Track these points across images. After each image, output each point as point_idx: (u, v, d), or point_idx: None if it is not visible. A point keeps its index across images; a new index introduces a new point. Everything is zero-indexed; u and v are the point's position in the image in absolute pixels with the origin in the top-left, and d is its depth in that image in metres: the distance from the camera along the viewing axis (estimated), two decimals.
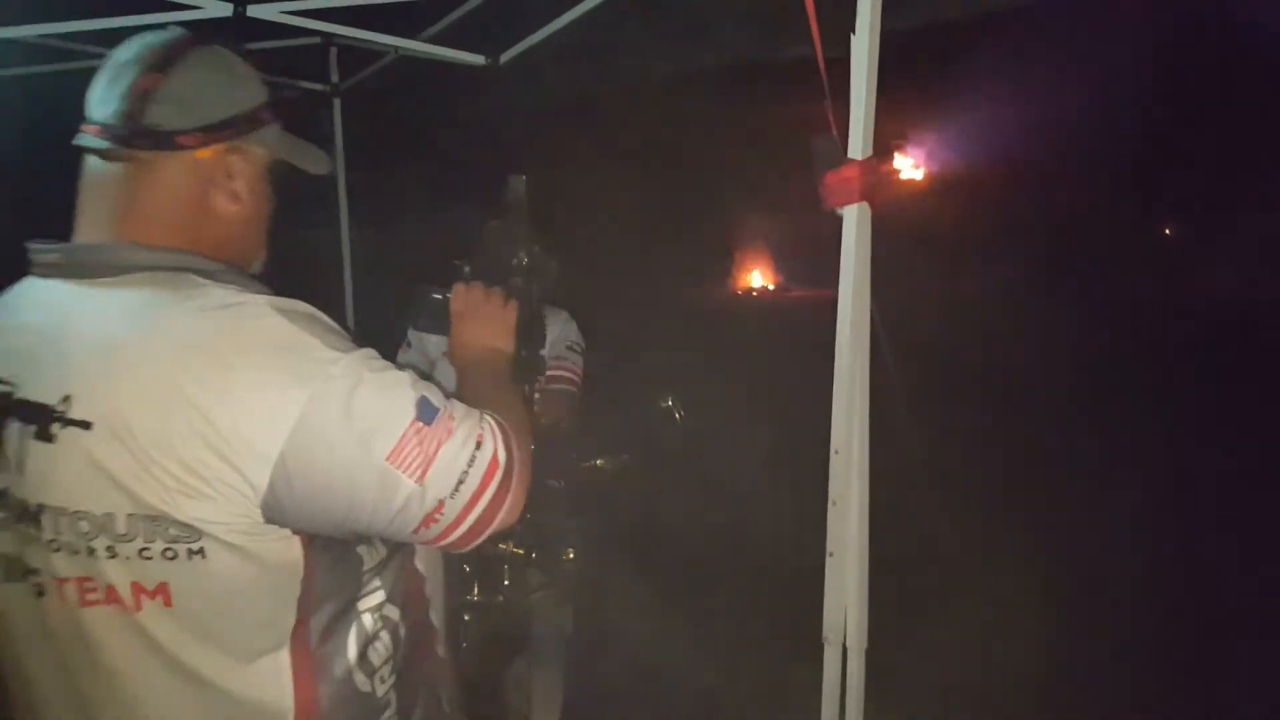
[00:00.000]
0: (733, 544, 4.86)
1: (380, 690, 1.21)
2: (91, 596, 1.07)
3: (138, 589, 1.05)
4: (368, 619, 1.18)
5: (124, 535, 1.04)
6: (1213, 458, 6.05)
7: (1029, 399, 7.58)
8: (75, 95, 1.16)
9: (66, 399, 1.04)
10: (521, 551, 2.48)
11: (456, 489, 1.11)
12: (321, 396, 1.03)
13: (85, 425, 1.02)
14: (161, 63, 1.13)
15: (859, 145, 2.00)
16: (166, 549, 1.03)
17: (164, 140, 1.12)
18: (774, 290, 21.41)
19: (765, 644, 3.76)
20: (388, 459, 1.06)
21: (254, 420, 1.01)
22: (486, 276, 2.77)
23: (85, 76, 1.18)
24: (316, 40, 4.46)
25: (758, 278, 21.76)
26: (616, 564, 3.42)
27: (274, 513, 1.05)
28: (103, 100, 1.13)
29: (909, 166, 20.13)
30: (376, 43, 3.65)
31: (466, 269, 2.85)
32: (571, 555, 2.59)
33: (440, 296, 1.68)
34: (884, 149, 2.07)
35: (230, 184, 1.19)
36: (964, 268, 13.58)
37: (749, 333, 11.91)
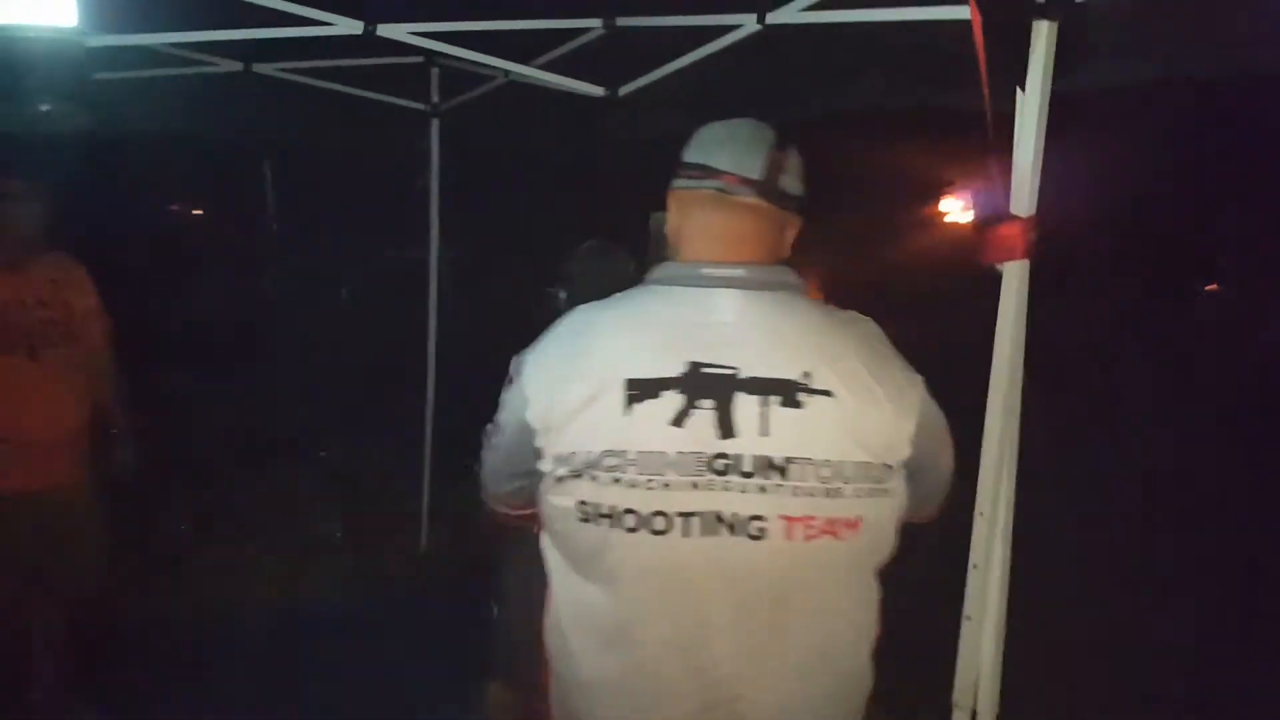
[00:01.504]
0: None
1: None
2: (811, 531, 1.36)
3: (844, 522, 1.37)
4: None
5: (849, 478, 1.35)
6: None
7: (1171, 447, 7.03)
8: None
9: (807, 374, 1.36)
10: None
11: None
12: (924, 388, 1.46)
13: (827, 393, 1.35)
14: (782, 145, 1.51)
15: (1024, 202, 1.96)
16: (868, 488, 1.37)
17: (787, 200, 1.51)
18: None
19: (888, 701, 3.58)
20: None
21: (906, 400, 1.40)
22: (578, 295, 2.75)
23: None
24: (419, 59, 4.52)
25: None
26: None
27: (910, 468, 1.41)
28: (742, 161, 1.48)
29: (957, 210, 19.71)
30: (495, 67, 3.67)
31: (562, 295, 2.84)
32: None
33: None
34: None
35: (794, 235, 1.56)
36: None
37: None
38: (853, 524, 1.37)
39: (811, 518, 1.35)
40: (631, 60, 3.38)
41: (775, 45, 2.79)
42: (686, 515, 1.35)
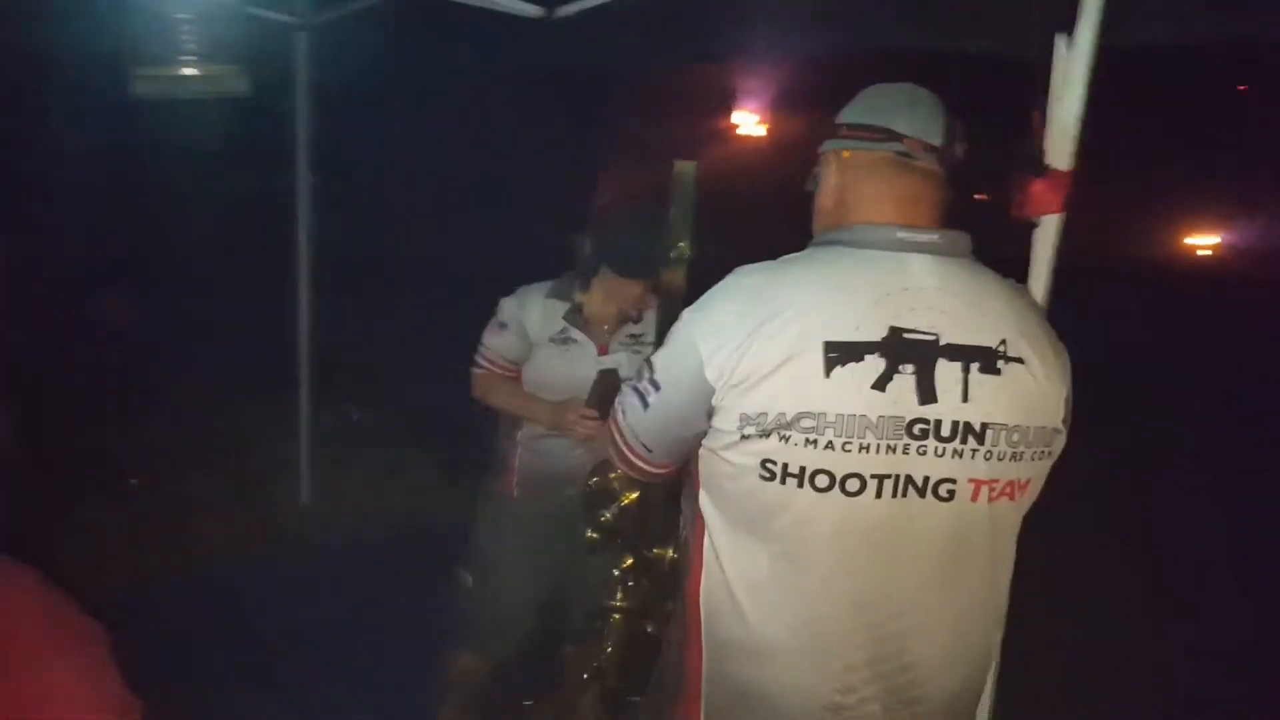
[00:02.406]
0: None
1: None
2: (993, 493, 1.41)
3: (1019, 484, 1.44)
4: None
5: (1030, 442, 1.41)
6: None
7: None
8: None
9: (1004, 342, 1.39)
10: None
11: None
12: None
13: (1020, 361, 1.39)
14: (948, 112, 1.53)
15: (1064, 156, 1.97)
16: (1039, 451, 1.43)
17: (957, 166, 1.52)
18: None
19: None
20: None
21: (1063, 364, 1.45)
22: (616, 260, 2.60)
23: None
24: None
25: None
26: None
27: (1063, 430, 1.46)
28: (924, 126, 1.50)
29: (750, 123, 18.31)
30: None
31: (588, 247, 2.69)
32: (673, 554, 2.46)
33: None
34: None
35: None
36: None
37: None
38: (1024, 485, 1.45)
39: (996, 480, 1.41)
40: None
41: None
42: (880, 477, 1.37)
